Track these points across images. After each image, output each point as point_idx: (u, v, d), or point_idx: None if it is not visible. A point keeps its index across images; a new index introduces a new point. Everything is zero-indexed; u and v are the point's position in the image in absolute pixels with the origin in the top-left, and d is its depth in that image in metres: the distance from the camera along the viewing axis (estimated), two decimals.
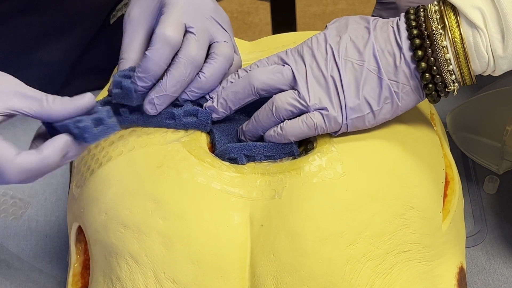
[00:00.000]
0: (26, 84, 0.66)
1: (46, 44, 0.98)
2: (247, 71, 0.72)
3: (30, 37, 0.97)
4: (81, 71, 1.04)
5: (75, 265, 0.73)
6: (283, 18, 1.49)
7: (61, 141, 0.64)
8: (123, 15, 0.82)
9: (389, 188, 0.67)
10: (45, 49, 0.98)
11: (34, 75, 0.99)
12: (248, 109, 0.73)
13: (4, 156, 0.62)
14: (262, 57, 0.80)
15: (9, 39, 0.95)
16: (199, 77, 0.71)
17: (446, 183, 0.74)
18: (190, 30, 0.71)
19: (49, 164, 0.63)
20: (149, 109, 0.71)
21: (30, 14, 0.94)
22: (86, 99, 0.65)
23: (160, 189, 0.67)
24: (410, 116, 0.72)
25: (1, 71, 0.66)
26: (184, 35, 0.71)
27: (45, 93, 0.65)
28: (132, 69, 0.71)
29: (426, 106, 0.78)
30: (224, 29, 0.73)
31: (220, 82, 0.73)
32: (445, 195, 0.73)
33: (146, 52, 0.69)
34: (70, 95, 0.89)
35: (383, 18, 0.71)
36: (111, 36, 1.01)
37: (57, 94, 0.94)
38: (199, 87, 0.71)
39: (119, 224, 0.67)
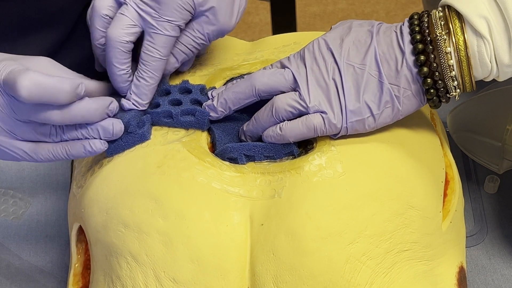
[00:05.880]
0: None
1: (24, 37, 0.96)
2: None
3: (8, 27, 0.95)
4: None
5: (76, 265, 0.73)
6: (283, 18, 1.49)
7: (78, 81, 0.66)
8: None
9: (389, 188, 0.67)
10: (23, 41, 0.96)
11: None
12: (250, 109, 0.73)
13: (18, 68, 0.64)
14: (262, 57, 0.80)
15: None
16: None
17: (446, 182, 0.74)
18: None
19: (58, 88, 0.64)
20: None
21: (8, 2, 0.92)
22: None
23: (161, 188, 0.67)
24: (410, 116, 0.72)
25: None
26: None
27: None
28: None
29: (426, 106, 0.78)
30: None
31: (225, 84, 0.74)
32: (445, 195, 0.73)
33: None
34: None
35: None
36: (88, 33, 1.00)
37: None
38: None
39: (119, 224, 0.67)
